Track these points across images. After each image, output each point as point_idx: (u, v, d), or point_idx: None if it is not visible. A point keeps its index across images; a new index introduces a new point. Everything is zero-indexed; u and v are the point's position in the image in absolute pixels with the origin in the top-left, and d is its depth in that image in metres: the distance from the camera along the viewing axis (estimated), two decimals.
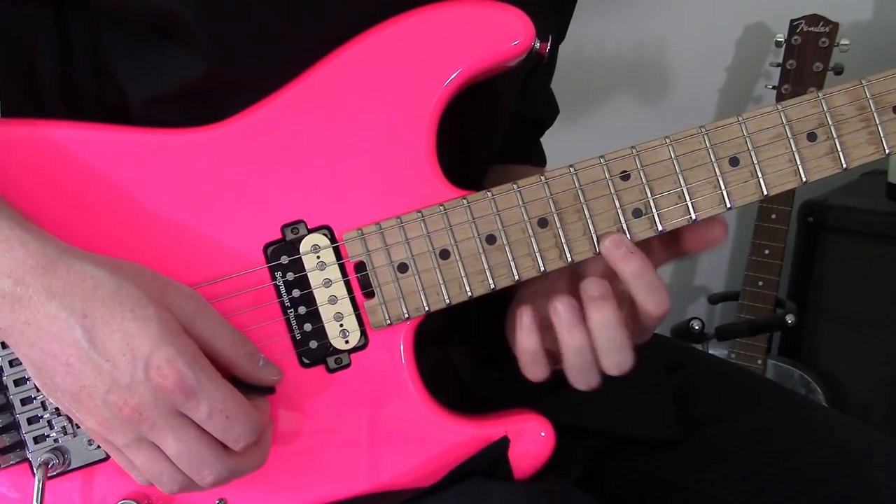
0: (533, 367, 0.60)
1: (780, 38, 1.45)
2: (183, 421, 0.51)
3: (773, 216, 1.47)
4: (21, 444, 0.59)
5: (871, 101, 0.56)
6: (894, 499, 0.66)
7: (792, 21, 1.44)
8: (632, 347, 0.58)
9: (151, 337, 0.49)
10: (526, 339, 0.59)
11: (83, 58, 0.60)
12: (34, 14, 0.60)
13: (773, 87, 1.48)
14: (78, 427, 0.59)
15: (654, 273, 0.57)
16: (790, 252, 1.52)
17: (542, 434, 0.62)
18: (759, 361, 1.49)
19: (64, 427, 0.59)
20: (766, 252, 1.48)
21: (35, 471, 0.58)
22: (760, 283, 1.48)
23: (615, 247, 0.57)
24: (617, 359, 0.57)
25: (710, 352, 1.42)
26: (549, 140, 0.88)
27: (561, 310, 0.57)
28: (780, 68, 1.47)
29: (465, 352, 0.74)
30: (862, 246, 1.46)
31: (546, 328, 0.59)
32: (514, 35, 0.58)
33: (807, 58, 1.43)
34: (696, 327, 1.38)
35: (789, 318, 1.35)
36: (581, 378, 0.59)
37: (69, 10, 0.59)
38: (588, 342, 0.57)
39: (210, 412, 0.50)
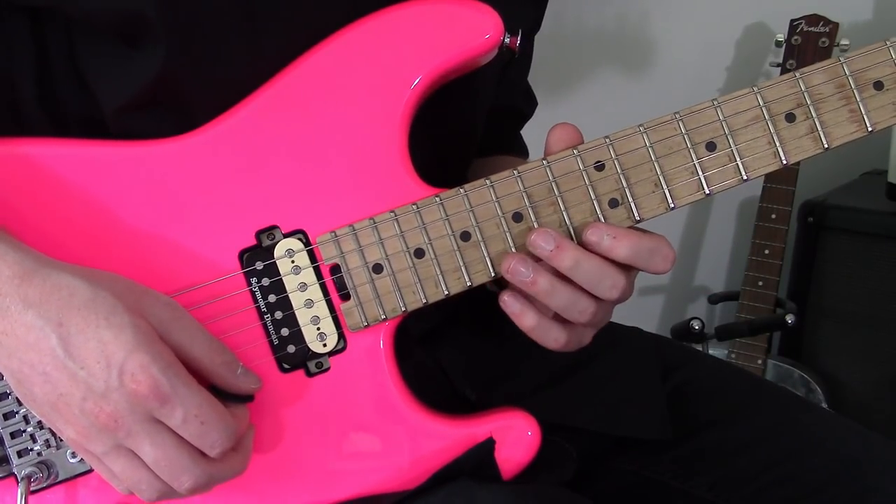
0: (548, 338, 0.56)
1: (780, 38, 1.42)
2: (159, 427, 0.49)
3: (773, 216, 1.44)
4: (5, 459, 0.57)
5: (849, 77, 0.52)
6: (894, 502, 0.63)
7: (792, 21, 1.41)
8: (617, 269, 0.54)
9: (125, 344, 0.47)
10: (525, 321, 0.55)
11: (61, 68, 0.59)
12: (10, 26, 0.58)
13: None
14: (61, 440, 0.57)
15: (646, 241, 0.54)
16: (790, 252, 1.49)
17: (529, 433, 0.59)
18: (759, 361, 1.45)
19: (47, 440, 0.57)
20: (766, 252, 1.44)
21: (19, 484, 0.56)
22: (760, 283, 1.44)
23: (598, 239, 0.54)
24: (608, 283, 0.54)
25: (710, 352, 1.38)
26: (541, 133, 0.85)
27: (509, 301, 0.55)
28: (780, 68, 1.43)
29: (454, 351, 0.71)
30: (862, 246, 1.43)
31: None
32: (482, 31, 0.56)
33: (807, 58, 1.40)
34: (696, 327, 1.34)
35: (789, 318, 1.31)
36: (575, 313, 0.55)
37: (45, 21, 0.58)
38: (550, 286, 0.54)
39: (185, 418, 0.48)
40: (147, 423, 0.48)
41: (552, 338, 0.56)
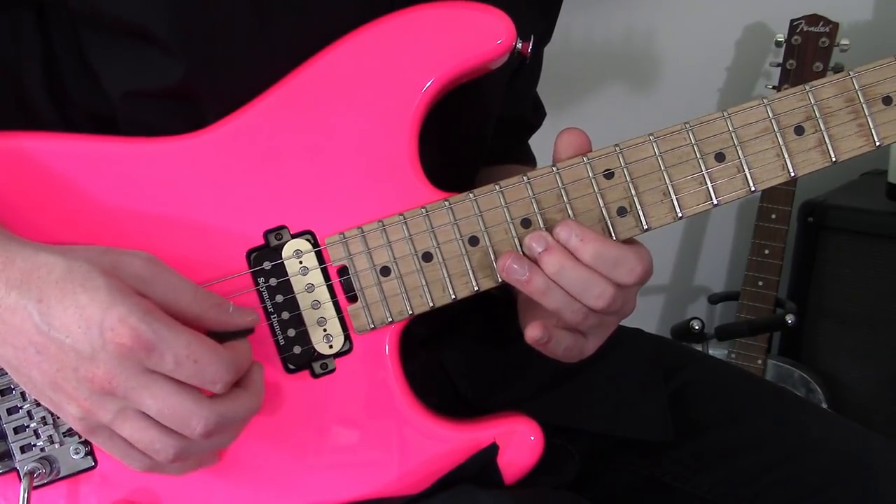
0: (559, 347, 0.57)
1: (780, 38, 1.42)
2: (154, 377, 0.48)
3: (773, 216, 1.44)
4: (8, 454, 0.57)
5: (859, 92, 0.53)
6: None
7: (792, 21, 1.41)
8: (604, 279, 0.54)
9: (101, 302, 0.47)
10: (551, 348, 0.57)
11: (67, 60, 0.59)
12: (16, 18, 0.58)
13: (774, 87, 1.45)
14: (64, 436, 0.57)
15: (612, 250, 0.54)
16: (790, 252, 1.49)
17: (532, 438, 0.60)
18: (759, 361, 1.46)
19: (51, 436, 0.57)
20: (766, 252, 1.44)
21: (21, 480, 0.56)
22: (760, 283, 1.44)
23: (567, 237, 0.54)
24: (594, 292, 0.54)
25: (710, 352, 1.39)
26: (545, 140, 0.85)
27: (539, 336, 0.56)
28: (780, 68, 1.43)
29: (457, 354, 0.71)
30: (862, 246, 1.43)
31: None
32: (494, 35, 0.56)
33: (807, 58, 1.40)
34: (696, 327, 1.34)
35: (789, 318, 1.31)
36: (568, 314, 0.56)
37: (50, 13, 0.58)
38: (545, 286, 0.55)
39: (176, 360, 0.48)
40: (141, 375, 0.48)
41: (562, 346, 0.56)
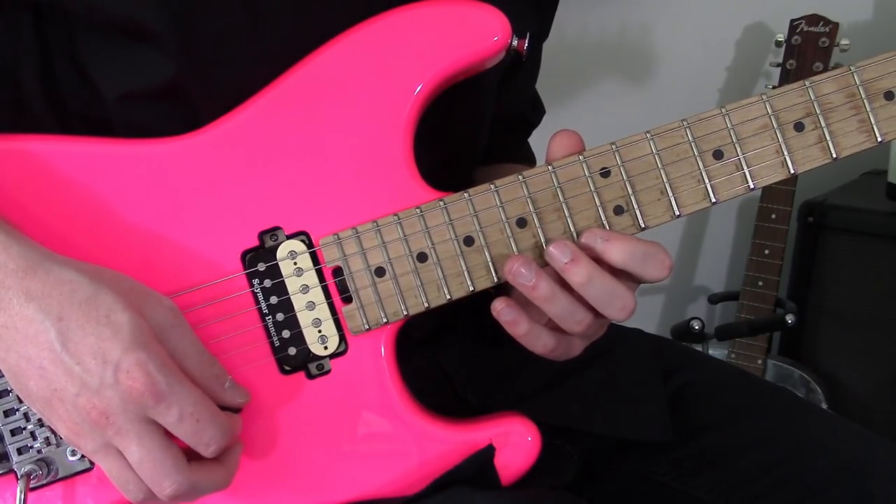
0: (537, 344, 0.55)
1: (780, 38, 1.40)
2: (149, 428, 0.48)
3: (773, 216, 1.42)
4: (5, 456, 0.56)
5: (860, 87, 0.51)
6: None
7: (792, 21, 1.39)
8: (628, 290, 0.53)
9: (123, 341, 0.47)
10: (515, 329, 0.54)
11: (63, 63, 0.58)
12: (14, 21, 0.57)
13: (774, 88, 1.42)
14: (61, 438, 0.56)
15: (640, 245, 0.52)
16: (790, 252, 1.47)
17: (529, 439, 0.58)
18: (759, 361, 1.44)
19: (47, 438, 0.56)
20: (766, 252, 1.42)
21: (18, 481, 0.55)
22: (760, 283, 1.42)
23: (591, 243, 0.52)
24: (618, 304, 0.52)
25: (710, 352, 1.37)
26: (542, 139, 0.83)
27: (503, 311, 0.53)
28: (780, 68, 1.42)
29: (455, 354, 0.70)
30: (862, 246, 1.41)
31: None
32: (490, 33, 0.55)
33: (807, 58, 1.38)
34: (696, 327, 1.32)
35: (789, 318, 1.29)
36: (572, 323, 0.54)
37: (46, 15, 0.57)
38: (551, 292, 0.52)
39: (180, 416, 0.48)
40: (138, 422, 0.48)
41: (541, 343, 0.54)
